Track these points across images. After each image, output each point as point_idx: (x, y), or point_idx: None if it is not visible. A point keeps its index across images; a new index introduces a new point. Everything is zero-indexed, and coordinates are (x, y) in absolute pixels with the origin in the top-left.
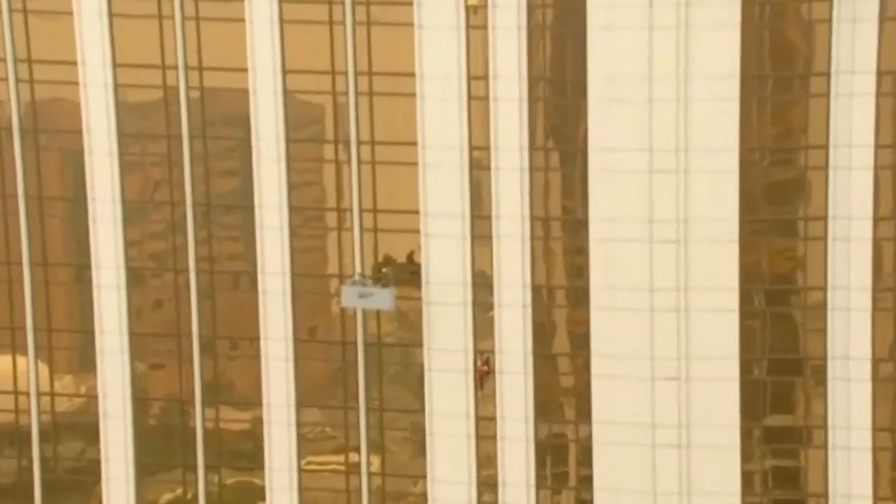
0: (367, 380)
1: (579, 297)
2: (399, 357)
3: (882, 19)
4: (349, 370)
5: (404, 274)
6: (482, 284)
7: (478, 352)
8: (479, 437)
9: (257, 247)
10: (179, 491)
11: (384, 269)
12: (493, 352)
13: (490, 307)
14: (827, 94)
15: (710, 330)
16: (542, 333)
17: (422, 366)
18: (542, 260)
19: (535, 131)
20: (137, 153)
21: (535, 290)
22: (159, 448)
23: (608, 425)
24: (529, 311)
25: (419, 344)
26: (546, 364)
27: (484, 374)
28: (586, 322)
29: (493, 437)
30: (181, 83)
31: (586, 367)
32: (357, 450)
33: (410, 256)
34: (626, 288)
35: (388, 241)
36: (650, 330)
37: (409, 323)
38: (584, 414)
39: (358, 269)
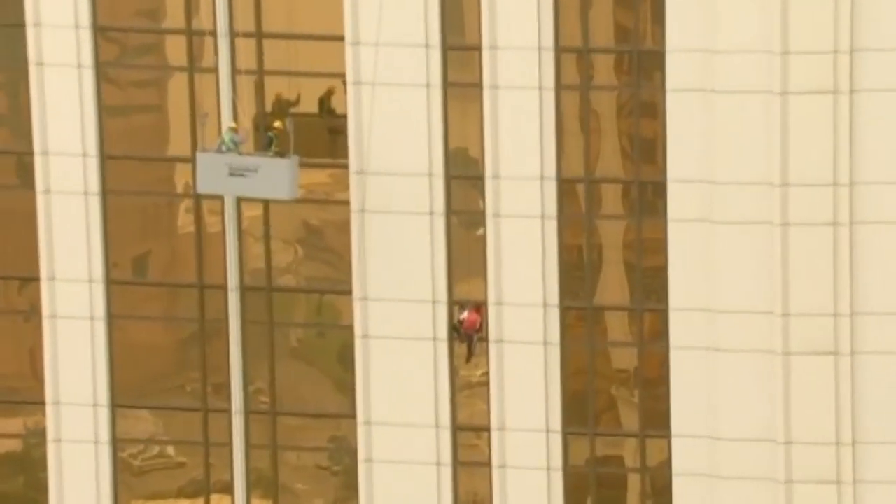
0: (245, 357)
1: (646, 199)
2: (307, 313)
3: None
4: (212, 339)
5: (316, 135)
6: (465, 177)
7: (456, 303)
8: (458, 465)
9: (32, 104)
10: None
11: (277, 124)
12: (484, 303)
13: (480, 220)
14: None
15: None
16: (575, 270)
17: (350, 330)
18: (575, 130)
19: None
20: None
21: (564, 186)
22: None
23: (701, 442)
24: (554, 225)
25: (346, 290)
26: (584, 328)
27: (474, 330)
28: (660, 247)
29: (487, 465)
30: None
31: (660, 332)
32: (228, 490)
33: (327, 100)
34: (733, 181)
35: (286, 89)
36: (780, 260)
37: (327, 247)
38: (657, 420)
39: (227, 122)
